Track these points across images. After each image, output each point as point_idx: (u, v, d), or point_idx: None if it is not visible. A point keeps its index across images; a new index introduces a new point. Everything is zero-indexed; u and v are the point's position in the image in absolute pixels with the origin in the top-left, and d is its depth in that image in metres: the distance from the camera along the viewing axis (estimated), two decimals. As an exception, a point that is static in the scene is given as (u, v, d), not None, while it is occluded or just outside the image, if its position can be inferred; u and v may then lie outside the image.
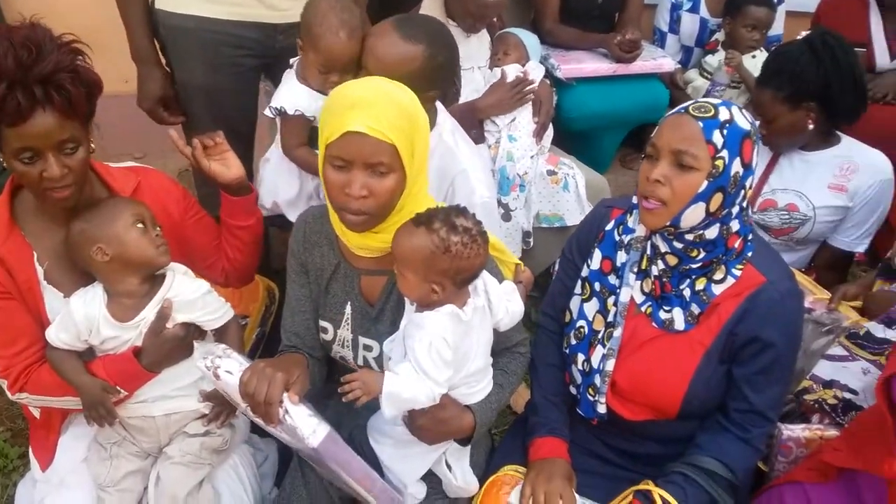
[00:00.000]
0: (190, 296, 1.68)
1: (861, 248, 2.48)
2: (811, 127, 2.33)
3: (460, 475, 1.66)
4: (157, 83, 2.29)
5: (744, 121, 1.53)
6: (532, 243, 2.64)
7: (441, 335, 1.47)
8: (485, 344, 1.60)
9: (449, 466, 1.66)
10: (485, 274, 1.57)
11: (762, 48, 3.21)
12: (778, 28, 3.36)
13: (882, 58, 3.21)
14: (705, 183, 1.50)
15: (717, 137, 1.49)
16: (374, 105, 1.47)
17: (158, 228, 1.67)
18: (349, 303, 1.70)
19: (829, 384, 1.95)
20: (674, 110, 1.58)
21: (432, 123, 2.02)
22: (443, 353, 1.47)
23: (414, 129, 1.52)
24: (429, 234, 1.45)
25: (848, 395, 1.92)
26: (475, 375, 1.60)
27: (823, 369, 1.99)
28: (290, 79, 2.10)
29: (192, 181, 2.51)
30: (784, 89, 2.29)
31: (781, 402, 1.76)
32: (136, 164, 1.87)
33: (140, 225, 1.63)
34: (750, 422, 1.65)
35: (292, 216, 2.22)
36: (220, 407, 1.72)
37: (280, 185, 2.21)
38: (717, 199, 1.51)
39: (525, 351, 1.77)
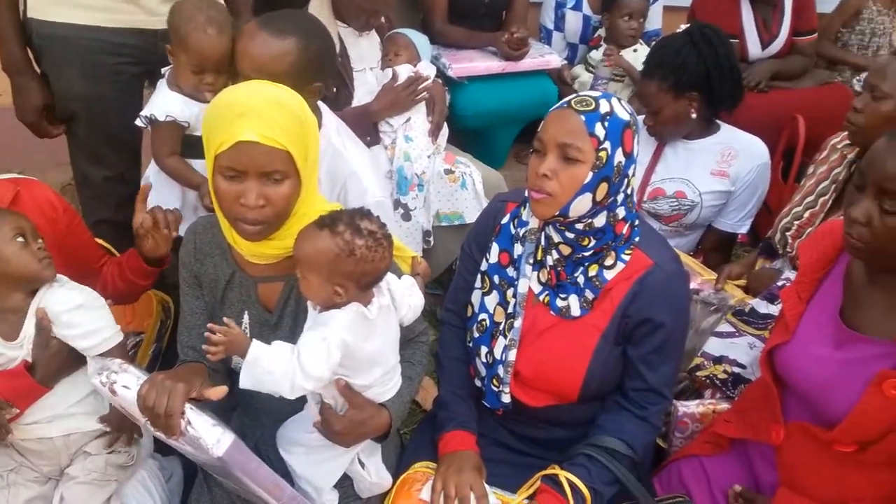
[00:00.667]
0: (57, 307, 1.58)
1: (743, 230, 2.61)
2: (694, 116, 2.44)
3: (374, 471, 1.66)
4: (35, 94, 2.19)
5: (623, 112, 1.59)
6: (433, 242, 2.66)
7: (341, 334, 1.46)
8: (393, 341, 1.60)
9: (362, 464, 1.65)
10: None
11: (642, 42, 3.33)
12: (656, 23, 3.50)
13: (754, 48, 3.39)
14: (590, 174, 1.55)
15: (600, 130, 1.54)
16: (264, 112, 1.44)
17: (41, 241, 1.59)
18: (246, 312, 1.67)
19: (718, 360, 2.06)
20: (557, 105, 1.63)
21: (318, 124, 2.01)
22: (332, 352, 1.45)
23: (306, 133, 1.51)
24: (333, 237, 1.43)
25: (737, 370, 2.02)
26: (389, 373, 1.60)
27: (713, 346, 2.09)
28: (161, 87, 2.07)
29: (75, 196, 2.42)
30: (668, 80, 2.39)
31: (675, 379, 1.83)
32: (15, 175, 1.79)
33: (20, 238, 1.55)
34: (647, 400, 1.71)
35: (180, 230, 2.17)
36: (119, 430, 1.66)
37: (161, 199, 2.15)
38: (603, 188, 1.57)
39: (426, 339, 1.79)
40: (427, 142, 2.66)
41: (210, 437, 1.41)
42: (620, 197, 1.61)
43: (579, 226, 1.61)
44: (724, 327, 2.12)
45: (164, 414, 1.39)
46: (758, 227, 2.72)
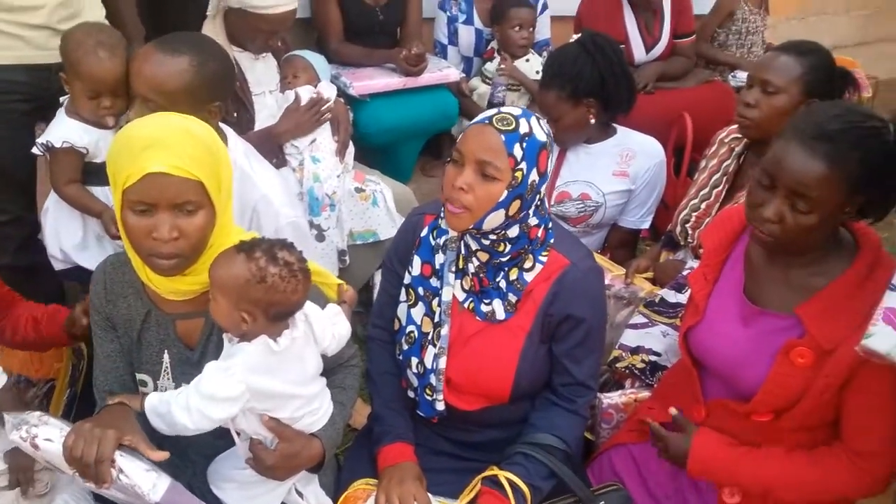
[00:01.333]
0: None
1: (646, 225, 2.72)
2: (593, 121, 2.53)
3: (313, 499, 1.65)
4: None
5: (541, 132, 1.64)
6: (348, 261, 2.66)
7: (246, 366, 1.44)
8: (313, 372, 1.58)
9: (300, 494, 1.63)
10: (306, 304, 1.54)
11: (533, 51, 3.43)
12: (545, 33, 3.61)
13: (639, 52, 3.55)
14: (505, 192, 1.59)
15: (518, 151, 1.59)
16: (172, 142, 1.41)
17: None
18: (166, 351, 1.61)
19: (635, 350, 2.14)
20: (479, 118, 1.66)
21: (219, 130, 1.99)
22: (234, 384, 1.43)
23: (217, 161, 1.48)
24: (247, 262, 1.42)
25: (653, 358, 2.11)
26: (313, 403, 1.58)
27: (629, 338, 2.17)
28: (59, 114, 2.03)
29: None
30: (566, 89, 2.46)
31: (598, 371, 1.90)
32: None
33: None
34: (575, 393, 1.77)
35: (86, 262, 2.10)
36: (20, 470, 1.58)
37: (62, 230, 2.08)
38: (516, 205, 1.62)
39: (357, 362, 1.78)
40: (335, 161, 2.66)
41: (145, 482, 1.37)
42: (533, 209, 1.67)
43: (493, 235, 1.66)
44: (638, 319, 2.21)
45: (93, 463, 1.34)
46: (657, 221, 2.83)
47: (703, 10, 4.06)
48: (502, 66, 3.35)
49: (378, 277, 2.69)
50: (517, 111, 1.65)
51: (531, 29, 3.33)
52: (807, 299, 1.56)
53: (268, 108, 2.68)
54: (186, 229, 1.43)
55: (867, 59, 5.01)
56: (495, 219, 1.62)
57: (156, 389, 1.63)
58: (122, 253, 1.63)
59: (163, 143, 1.41)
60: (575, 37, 2.59)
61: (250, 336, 1.46)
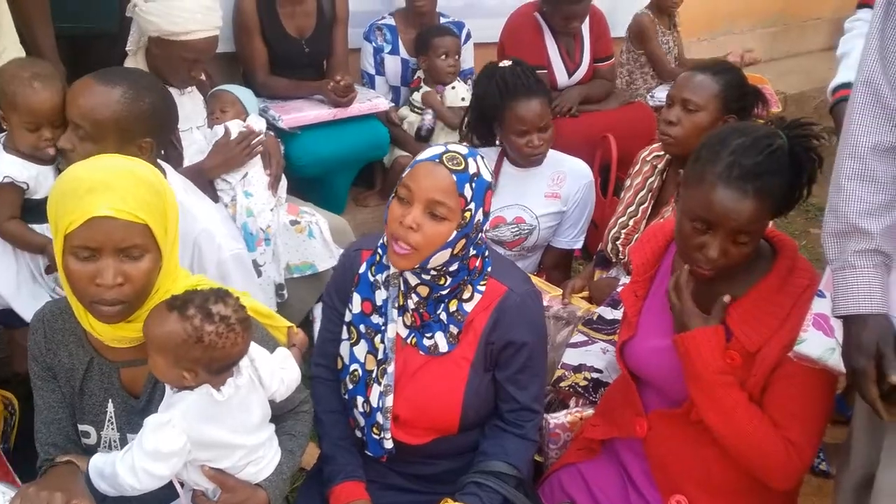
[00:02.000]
0: None
1: (578, 245, 2.77)
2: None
3: None
4: None
5: (486, 173, 1.66)
6: (286, 295, 2.63)
7: (187, 416, 1.40)
8: (259, 419, 1.54)
9: None
10: (251, 348, 1.51)
11: (459, 79, 3.48)
12: (469, 61, 3.66)
13: (561, 77, 3.64)
14: (454, 233, 1.60)
15: (468, 191, 1.60)
16: (117, 185, 1.38)
17: None
18: (110, 400, 1.56)
19: (577, 369, 2.17)
20: (428, 156, 1.64)
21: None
22: (175, 436, 1.39)
23: (163, 203, 1.45)
24: (181, 321, 1.37)
25: (595, 375, 2.15)
26: (258, 451, 1.54)
27: (570, 357, 2.21)
28: None
29: None
30: (551, 102, 2.57)
31: (543, 394, 1.92)
32: None
33: None
34: (522, 418, 1.78)
35: (19, 307, 2.03)
36: None
37: None
38: (461, 244, 1.63)
39: (308, 408, 1.74)
40: (268, 195, 2.64)
41: None
42: (473, 246, 1.68)
43: (434, 271, 1.66)
44: (578, 337, 2.25)
45: None
46: (587, 241, 2.88)
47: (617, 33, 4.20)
48: (423, 98, 3.40)
49: (318, 311, 2.67)
50: (463, 150, 1.65)
51: (457, 56, 3.38)
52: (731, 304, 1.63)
53: (196, 144, 2.65)
54: (132, 274, 1.39)
55: (775, 75, 5.26)
56: (441, 258, 1.62)
57: (99, 440, 1.58)
58: (61, 300, 1.57)
59: (108, 185, 1.37)
60: (505, 63, 2.63)
61: (193, 386, 1.43)
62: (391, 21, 3.45)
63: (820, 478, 2.35)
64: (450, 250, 1.61)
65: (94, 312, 1.42)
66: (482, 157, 1.68)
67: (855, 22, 2.25)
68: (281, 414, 1.64)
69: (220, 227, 2.03)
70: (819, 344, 1.47)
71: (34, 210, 1.99)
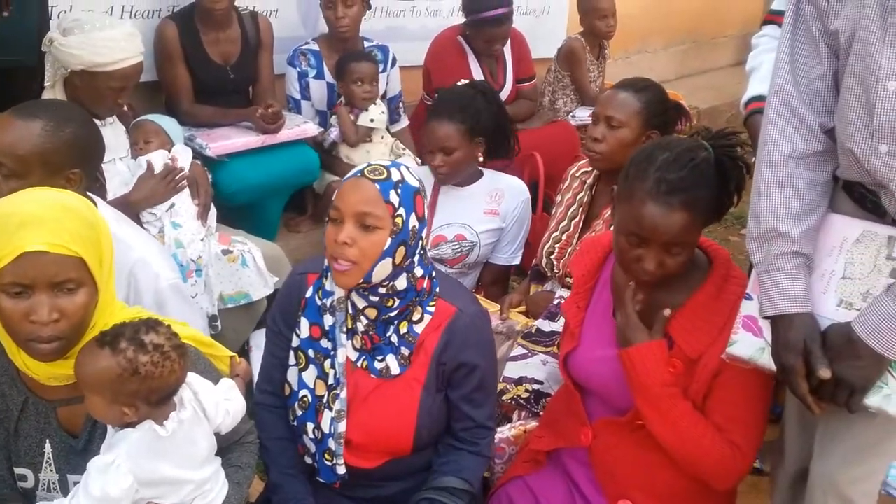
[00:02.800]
0: None
1: (516, 261, 2.81)
2: (481, 159, 2.64)
3: None
4: None
5: (412, 178, 1.68)
6: (220, 326, 2.57)
7: (132, 455, 1.37)
8: (205, 453, 1.50)
9: None
10: (194, 380, 1.48)
11: (376, 101, 3.41)
12: (396, 87, 3.68)
13: (486, 97, 3.71)
14: (389, 240, 1.61)
15: (394, 197, 1.62)
16: (49, 218, 1.34)
17: None
18: (48, 440, 1.50)
19: (518, 381, 2.21)
20: (351, 173, 1.69)
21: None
22: (121, 477, 1.35)
23: (98, 235, 1.42)
24: (114, 356, 1.34)
25: (536, 387, 2.19)
26: (205, 485, 1.50)
27: (511, 370, 2.24)
28: None
29: None
30: (466, 123, 2.56)
31: (495, 411, 1.93)
32: None
33: None
34: (477, 436, 1.80)
35: None
36: None
37: None
38: (401, 252, 1.64)
39: (253, 439, 1.70)
40: (197, 225, 2.59)
41: None
42: (416, 257, 1.70)
43: (382, 290, 1.66)
44: (518, 351, 2.29)
45: None
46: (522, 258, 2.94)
47: (541, 54, 4.30)
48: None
49: (253, 340, 2.63)
50: (386, 162, 1.69)
51: (373, 82, 3.36)
52: (671, 314, 1.68)
53: (120, 175, 2.59)
54: (67, 309, 1.35)
55: (687, 90, 5.47)
56: (383, 269, 1.63)
57: (37, 483, 1.52)
58: None
59: (39, 219, 1.33)
60: (463, 81, 2.71)
61: (135, 422, 1.39)
62: (315, 46, 3.45)
63: (754, 476, 2.43)
64: (390, 260, 1.63)
65: (29, 351, 1.38)
66: (407, 167, 1.71)
67: (761, 38, 2.37)
68: (226, 445, 1.60)
69: (156, 257, 1.98)
70: (749, 344, 1.54)
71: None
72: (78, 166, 1.84)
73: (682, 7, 6.01)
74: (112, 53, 2.39)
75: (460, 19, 3.71)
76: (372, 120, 3.33)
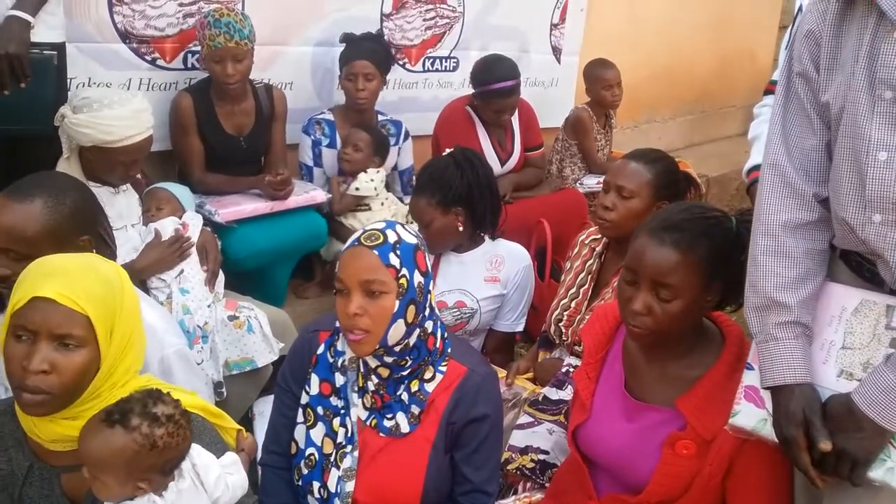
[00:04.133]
0: None
1: (520, 328, 2.80)
2: (461, 229, 2.63)
3: None
4: None
5: (410, 236, 1.70)
6: (225, 393, 2.57)
7: None
8: None
9: None
10: (195, 451, 1.47)
11: (367, 170, 3.42)
12: (408, 160, 3.75)
13: (494, 166, 3.70)
14: (397, 302, 1.63)
15: (394, 259, 1.64)
16: (71, 271, 1.38)
17: None
18: None
19: (524, 451, 2.17)
20: (349, 243, 1.70)
21: None
22: None
23: (114, 302, 1.42)
24: (128, 433, 1.33)
25: (542, 457, 2.15)
26: None
27: (517, 439, 2.21)
28: None
29: None
30: (436, 196, 2.57)
31: (496, 476, 1.90)
32: None
33: None
34: (475, 500, 1.78)
35: None
36: None
37: None
38: (412, 310, 1.66)
39: None
40: (205, 291, 2.61)
41: None
42: (427, 311, 1.71)
43: (397, 348, 1.67)
44: (524, 419, 2.26)
45: None
46: (527, 324, 2.93)
47: (548, 124, 4.38)
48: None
49: (257, 408, 2.62)
50: (380, 225, 1.70)
51: (359, 150, 3.38)
52: (684, 392, 1.67)
53: (131, 242, 2.62)
54: (60, 365, 1.35)
55: (696, 159, 5.54)
56: (397, 331, 1.64)
57: (38, 551, 1.49)
58: (2, 402, 1.54)
59: (62, 271, 1.37)
60: (448, 150, 2.72)
61: (134, 497, 1.37)
62: (330, 116, 3.53)
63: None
64: (402, 320, 1.64)
65: (18, 399, 1.38)
66: (403, 225, 1.73)
67: (762, 108, 2.41)
68: None
69: (162, 323, 1.99)
70: (752, 415, 1.51)
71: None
72: (86, 232, 1.86)
73: (689, 77, 6.12)
74: (120, 131, 2.43)
75: (470, 90, 3.79)
76: (357, 189, 3.37)
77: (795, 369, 1.43)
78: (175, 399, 1.42)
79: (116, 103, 2.42)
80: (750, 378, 1.54)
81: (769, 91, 2.41)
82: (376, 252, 1.63)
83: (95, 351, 1.40)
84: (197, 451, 1.47)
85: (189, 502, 1.43)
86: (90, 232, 1.89)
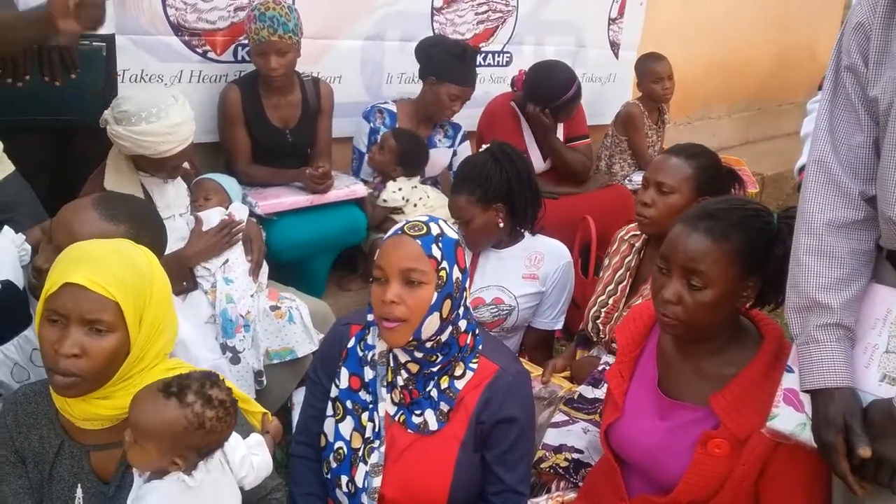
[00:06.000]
0: None
1: (559, 326, 2.77)
2: (501, 225, 2.61)
3: None
4: None
5: (451, 232, 1.70)
6: (265, 382, 2.60)
7: None
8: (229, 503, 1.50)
9: None
10: None
11: (395, 178, 3.41)
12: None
13: (538, 161, 3.72)
14: (435, 294, 1.62)
15: (436, 251, 1.63)
16: (101, 258, 1.41)
17: None
18: (79, 485, 1.53)
19: (558, 449, 2.15)
20: (391, 233, 1.70)
21: None
22: None
23: (144, 289, 1.45)
24: (182, 408, 1.35)
25: (576, 456, 2.12)
26: None
27: (551, 437, 2.18)
28: None
29: None
30: (475, 193, 2.56)
31: (529, 475, 1.89)
32: None
33: None
34: (508, 500, 1.76)
35: None
36: None
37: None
38: (447, 305, 1.65)
39: (281, 496, 1.69)
40: (248, 281, 2.64)
41: None
42: (461, 310, 1.70)
43: (429, 344, 1.67)
44: (559, 417, 2.23)
45: None
46: (569, 321, 2.89)
47: (597, 121, 4.32)
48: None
49: (297, 397, 2.64)
50: (424, 217, 1.70)
51: (385, 152, 3.36)
52: (718, 390, 1.62)
53: (178, 231, 2.66)
54: (90, 349, 1.38)
55: (752, 157, 5.41)
56: (431, 324, 1.64)
57: (67, 527, 1.53)
58: (35, 383, 1.58)
59: (91, 257, 1.40)
60: (485, 146, 2.70)
61: (162, 471, 1.40)
62: (393, 108, 3.55)
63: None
64: (437, 314, 1.64)
65: (50, 382, 1.42)
66: (445, 221, 1.72)
67: (815, 104, 2.33)
68: (253, 501, 1.60)
69: (196, 338, 2.02)
70: (790, 419, 1.47)
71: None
72: None
73: (746, 73, 5.97)
74: (156, 146, 2.44)
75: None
76: (385, 200, 3.39)
77: (836, 373, 1.38)
78: (229, 388, 1.44)
79: (154, 116, 2.40)
80: (790, 380, 1.49)
81: (822, 86, 2.32)
82: (419, 242, 1.63)
83: (125, 336, 1.42)
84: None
85: (216, 481, 1.46)
86: None
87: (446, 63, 3.41)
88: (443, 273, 1.63)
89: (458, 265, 1.67)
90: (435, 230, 1.66)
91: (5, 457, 1.55)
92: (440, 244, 1.64)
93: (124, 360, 1.44)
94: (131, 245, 1.50)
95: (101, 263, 1.40)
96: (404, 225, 1.68)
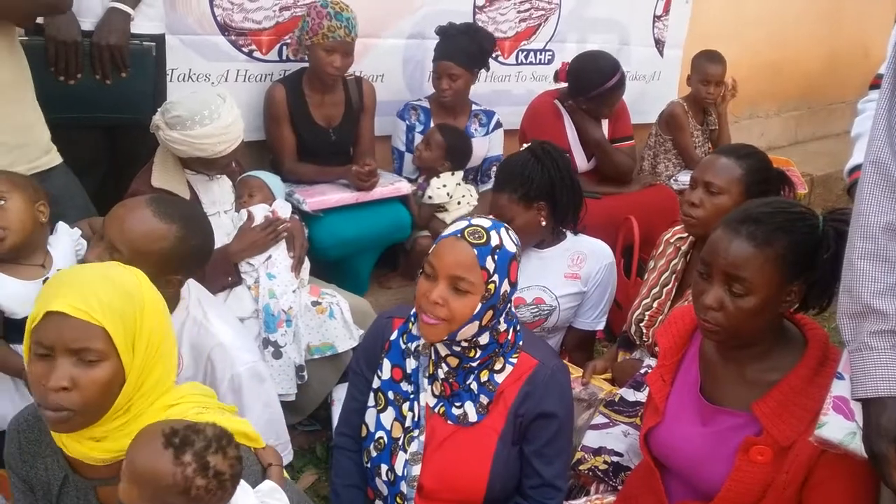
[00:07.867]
0: None
1: (600, 326, 2.74)
2: (544, 224, 2.59)
3: None
4: None
5: (511, 244, 1.69)
6: (306, 377, 2.63)
7: None
8: None
9: None
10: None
11: (452, 172, 3.45)
12: (497, 148, 3.75)
13: (581, 160, 3.69)
14: (480, 305, 1.63)
15: (490, 263, 1.63)
16: (85, 284, 1.30)
17: None
18: None
19: (597, 451, 2.13)
20: (451, 230, 1.69)
21: (177, 295, 1.96)
22: None
23: (136, 314, 1.34)
24: (174, 465, 1.23)
25: (615, 459, 2.10)
26: None
27: (590, 439, 2.17)
28: None
29: None
30: (517, 192, 2.52)
31: (567, 471, 1.89)
32: None
33: None
34: (545, 495, 1.77)
35: None
36: None
37: None
38: (489, 315, 1.66)
39: None
40: (290, 277, 2.68)
41: None
42: (503, 317, 1.71)
43: (465, 343, 1.68)
44: (599, 419, 2.21)
45: None
46: (611, 322, 2.87)
47: (640, 119, 4.26)
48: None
49: (336, 393, 2.67)
50: (487, 223, 1.69)
51: (430, 148, 3.38)
52: (761, 395, 1.59)
53: (223, 227, 2.70)
54: (81, 381, 1.27)
55: (801, 157, 5.29)
56: (469, 330, 1.65)
57: (76, 560, 1.48)
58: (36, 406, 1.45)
59: (77, 282, 1.31)
60: (525, 145, 2.69)
61: None
62: (426, 104, 3.58)
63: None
64: (477, 322, 1.64)
65: (43, 417, 1.32)
66: (507, 229, 1.70)
67: (867, 103, 2.27)
68: None
69: (236, 341, 2.00)
70: (840, 428, 1.43)
71: (17, 329, 1.82)
72: (184, 274, 1.90)
73: (795, 71, 5.85)
74: (211, 147, 2.47)
75: (564, 84, 3.73)
76: (430, 197, 3.39)
77: (890, 381, 1.34)
78: (237, 458, 1.31)
79: (208, 119, 2.43)
80: (840, 388, 1.45)
81: (875, 85, 2.26)
82: (476, 251, 1.62)
83: (118, 364, 1.31)
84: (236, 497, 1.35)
85: None
86: (189, 275, 1.93)
87: (435, 45, 3.49)
88: (491, 286, 1.63)
89: (508, 279, 1.67)
90: (494, 240, 1.65)
91: (16, 483, 1.51)
92: (496, 256, 1.64)
93: (120, 389, 1.33)
94: (120, 267, 1.41)
95: (85, 288, 1.29)
96: (466, 228, 1.66)
